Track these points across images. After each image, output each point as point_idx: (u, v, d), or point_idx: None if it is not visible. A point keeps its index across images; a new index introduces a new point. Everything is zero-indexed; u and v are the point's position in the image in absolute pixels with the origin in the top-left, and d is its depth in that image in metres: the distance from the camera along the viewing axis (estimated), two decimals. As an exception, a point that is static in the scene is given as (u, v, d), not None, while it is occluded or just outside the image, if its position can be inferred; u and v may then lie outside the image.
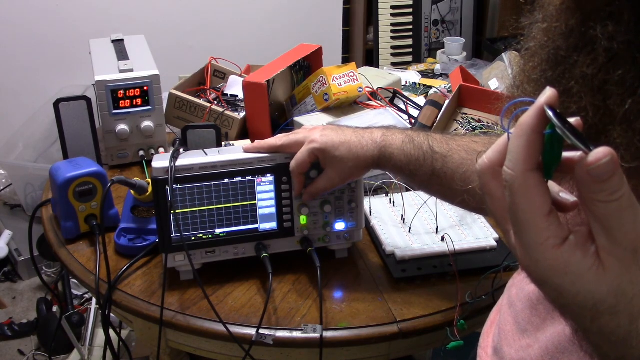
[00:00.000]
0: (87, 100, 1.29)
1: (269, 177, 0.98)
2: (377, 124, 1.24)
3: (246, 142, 1.37)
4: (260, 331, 0.91)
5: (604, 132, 0.43)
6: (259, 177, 0.97)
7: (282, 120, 1.48)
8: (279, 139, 0.96)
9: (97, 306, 1.99)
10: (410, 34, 2.86)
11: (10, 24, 2.51)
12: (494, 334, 0.70)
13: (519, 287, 0.63)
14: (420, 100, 1.59)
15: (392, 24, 2.84)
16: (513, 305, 0.64)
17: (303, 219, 1.00)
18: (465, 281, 1.01)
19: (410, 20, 2.85)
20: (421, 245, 1.06)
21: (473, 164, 0.86)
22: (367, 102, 1.50)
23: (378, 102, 1.53)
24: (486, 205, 0.46)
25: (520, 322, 0.62)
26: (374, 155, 0.90)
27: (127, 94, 1.32)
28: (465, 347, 0.93)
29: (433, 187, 0.91)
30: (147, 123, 1.35)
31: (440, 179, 0.88)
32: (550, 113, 0.39)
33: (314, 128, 0.95)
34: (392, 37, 2.84)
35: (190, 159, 0.96)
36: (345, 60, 2.96)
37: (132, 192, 1.09)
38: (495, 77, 1.65)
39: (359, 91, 1.42)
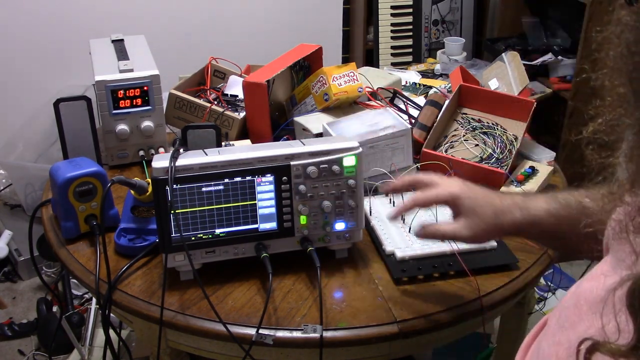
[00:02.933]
0: (87, 100, 1.29)
1: (269, 177, 0.98)
2: (377, 124, 1.24)
3: (246, 142, 1.37)
4: (260, 331, 0.91)
5: None
6: (259, 177, 0.97)
7: (282, 120, 1.48)
8: (415, 177, 0.90)
9: (97, 306, 1.99)
10: (410, 34, 2.86)
11: (10, 24, 2.51)
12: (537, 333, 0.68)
13: (590, 284, 0.59)
14: (420, 100, 1.58)
15: (392, 24, 2.83)
16: (564, 301, 0.61)
17: (303, 219, 1.00)
18: (466, 281, 1.01)
19: (410, 20, 2.85)
20: (421, 245, 1.06)
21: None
22: (367, 102, 1.50)
23: (378, 102, 1.53)
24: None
25: (561, 317, 0.60)
26: (516, 219, 0.83)
27: (127, 94, 1.32)
28: (465, 347, 0.93)
29: (587, 248, 0.76)
30: (147, 123, 1.35)
31: (596, 237, 0.74)
32: None
33: (451, 178, 0.90)
34: (392, 37, 2.84)
35: (190, 159, 0.96)
36: (345, 60, 2.96)
37: (132, 192, 1.09)
38: (495, 77, 1.65)
39: (359, 91, 1.41)
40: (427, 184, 0.89)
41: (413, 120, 1.43)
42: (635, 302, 0.42)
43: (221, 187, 0.96)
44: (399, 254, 1.04)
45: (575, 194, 0.83)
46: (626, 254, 0.51)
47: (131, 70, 1.33)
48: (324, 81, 1.39)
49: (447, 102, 1.42)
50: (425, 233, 0.89)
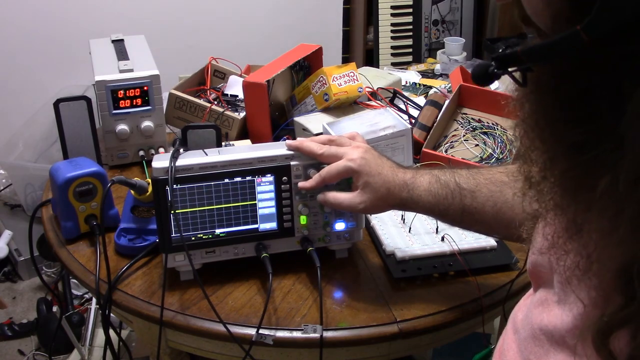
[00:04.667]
0: (87, 100, 1.29)
1: (269, 177, 0.98)
2: (377, 124, 1.24)
3: (246, 142, 1.37)
4: (260, 331, 0.91)
5: None
6: (259, 177, 0.97)
7: (282, 120, 1.48)
8: (320, 148, 0.95)
9: (97, 306, 1.99)
10: (410, 34, 2.86)
11: (10, 24, 2.51)
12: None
13: (525, 313, 0.62)
14: (420, 100, 1.59)
15: (392, 24, 2.83)
16: (518, 332, 0.62)
17: (303, 219, 1.00)
18: (466, 281, 1.01)
19: (410, 20, 2.85)
20: (421, 245, 1.06)
21: (502, 195, 0.87)
22: (367, 102, 1.50)
23: (378, 102, 1.53)
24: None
25: (524, 351, 0.60)
26: (402, 197, 0.90)
27: (127, 94, 1.32)
28: (465, 347, 0.93)
29: (466, 223, 0.91)
30: (147, 123, 1.35)
31: (472, 215, 0.88)
32: None
33: (357, 147, 0.94)
34: (392, 37, 2.84)
35: (190, 159, 0.96)
36: (345, 60, 2.96)
37: (132, 192, 1.09)
38: (495, 77, 1.65)
39: (359, 91, 1.42)
40: (329, 159, 0.95)
41: (413, 120, 1.43)
42: (603, 346, 0.42)
43: (221, 187, 0.96)
44: (399, 254, 1.04)
45: (484, 172, 0.90)
46: (575, 290, 0.50)
47: (131, 70, 1.33)
48: (324, 81, 1.39)
49: (447, 102, 1.42)
50: (324, 199, 0.96)
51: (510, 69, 0.51)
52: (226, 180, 0.96)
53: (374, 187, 0.90)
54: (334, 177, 0.93)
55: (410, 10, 2.84)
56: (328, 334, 0.91)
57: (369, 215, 1.14)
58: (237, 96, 1.53)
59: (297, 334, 0.91)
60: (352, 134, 0.99)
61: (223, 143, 1.23)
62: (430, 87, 1.72)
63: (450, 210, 0.89)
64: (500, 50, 0.50)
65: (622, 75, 0.40)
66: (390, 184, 0.90)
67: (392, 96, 1.57)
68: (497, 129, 1.39)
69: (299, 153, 0.97)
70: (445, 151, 1.34)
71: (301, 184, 0.97)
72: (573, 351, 0.49)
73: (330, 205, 0.96)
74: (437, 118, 1.38)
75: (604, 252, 0.43)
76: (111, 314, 1.01)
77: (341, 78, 1.40)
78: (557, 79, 0.46)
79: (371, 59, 2.89)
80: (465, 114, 1.43)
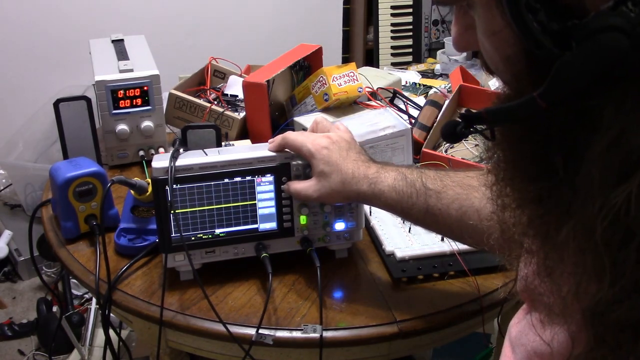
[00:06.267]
0: (87, 100, 1.29)
1: (269, 177, 0.98)
2: (377, 124, 1.24)
3: (246, 142, 1.37)
4: (260, 331, 0.91)
5: None
6: (259, 177, 0.97)
7: (282, 120, 1.48)
8: (294, 140, 0.95)
9: (97, 306, 1.99)
10: (410, 34, 2.86)
11: (10, 24, 2.51)
12: None
13: (519, 330, 0.62)
14: (420, 100, 1.59)
15: (392, 24, 2.83)
16: (514, 351, 0.63)
17: (303, 219, 1.00)
18: (466, 281, 1.01)
19: (410, 20, 2.85)
20: (421, 245, 1.06)
21: (468, 199, 0.86)
22: (367, 102, 1.50)
23: (378, 102, 1.53)
24: None
25: None
26: (361, 190, 0.89)
27: (127, 94, 1.32)
28: (465, 347, 0.93)
29: (429, 224, 0.90)
30: (147, 123, 1.35)
31: (435, 216, 0.87)
32: None
33: (326, 136, 0.95)
34: (392, 37, 2.84)
35: (190, 159, 0.96)
36: (345, 60, 2.96)
37: (132, 192, 1.09)
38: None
39: (359, 91, 1.42)
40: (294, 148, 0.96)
41: (413, 120, 1.43)
42: None
43: (221, 187, 0.96)
44: (399, 254, 1.04)
45: (452, 175, 0.89)
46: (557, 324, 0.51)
47: (131, 70, 1.33)
48: (324, 81, 1.39)
49: (447, 102, 1.42)
50: (287, 188, 0.97)
51: (478, 127, 0.53)
52: (226, 180, 0.96)
53: (329, 177, 0.90)
54: (294, 146, 0.94)
55: (410, 10, 2.84)
56: (328, 334, 0.91)
57: (368, 214, 1.14)
58: (237, 96, 1.53)
59: (297, 334, 0.91)
60: (333, 126, 0.99)
61: (223, 143, 1.23)
62: (430, 87, 1.72)
63: (413, 210, 0.88)
64: (466, 110, 0.53)
65: (576, 133, 0.43)
66: (347, 177, 0.90)
67: (392, 96, 1.57)
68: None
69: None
70: (445, 151, 1.34)
71: (269, 146, 0.98)
72: None
73: (290, 194, 0.97)
74: (437, 118, 1.38)
75: (571, 295, 0.44)
76: (111, 314, 1.01)
77: (341, 78, 1.40)
78: (519, 136, 0.48)
79: (371, 59, 2.89)
80: (465, 114, 1.43)
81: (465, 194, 0.86)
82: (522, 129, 0.47)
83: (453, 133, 0.56)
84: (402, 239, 1.09)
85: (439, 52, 2.52)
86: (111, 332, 1.06)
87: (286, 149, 0.97)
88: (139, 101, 1.33)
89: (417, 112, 1.46)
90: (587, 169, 0.41)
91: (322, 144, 0.92)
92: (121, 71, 1.33)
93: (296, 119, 1.38)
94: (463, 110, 1.43)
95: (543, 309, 0.50)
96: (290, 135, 0.96)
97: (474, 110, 0.52)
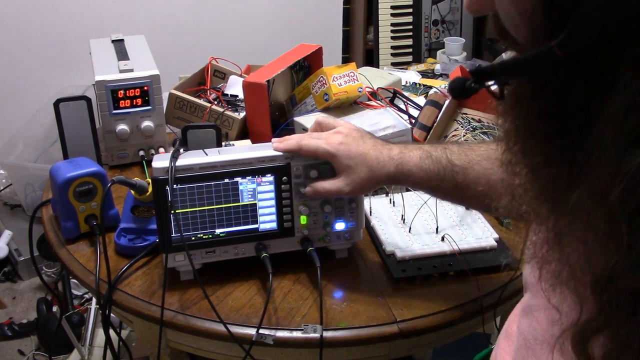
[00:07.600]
0: (87, 100, 1.29)
1: (269, 177, 0.98)
2: (377, 124, 1.24)
3: (246, 142, 1.37)
4: (261, 331, 0.91)
5: None
6: (259, 177, 0.97)
7: (282, 120, 1.48)
8: (299, 142, 0.95)
9: (97, 306, 1.99)
10: (410, 34, 2.86)
11: (10, 24, 2.51)
12: None
13: (517, 322, 0.62)
14: (421, 100, 1.58)
15: (392, 24, 2.83)
16: (512, 342, 0.63)
17: (303, 219, 1.00)
18: (466, 281, 1.01)
19: (410, 20, 2.85)
20: (421, 245, 1.06)
21: (495, 173, 0.87)
22: (367, 102, 1.50)
23: (378, 102, 1.53)
24: None
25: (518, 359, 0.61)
26: (390, 172, 0.90)
27: (127, 94, 1.32)
28: (465, 347, 0.93)
29: (458, 199, 0.92)
30: (147, 123, 1.35)
31: (464, 191, 0.89)
32: None
33: (337, 132, 0.95)
34: (392, 37, 2.84)
35: (190, 159, 0.96)
36: (345, 60, 2.96)
37: (132, 192, 1.09)
38: (495, 77, 1.65)
39: (359, 91, 1.41)
40: (308, 153, 0.96)
41: (413, 120, 1.43)
42: (582, 353, 0.44)
43: (221, 187, 0.96)
44: (399, 254, 1.04)
45: (476, 149, 0.90)
46: (558, 297, 0.51)
47: (131, 70, 1.33)
48: (324, 81, 1.39)
49: (447, 102, 1.42)
50: (312, 191, 0.96)
51: (488, 83, 0.52)
52: (226, 180, 0.96)
53: (356, 169, 0.91)
54: (309, 151, 0.94)
55: (410, 10, 2.84)
56: (328, 334, 0.91)
57: (368, 214, 1.14)
58: (237, 96, 1.53)
59: (297, 334, 0.91)
60: (338, 122, 0.99)
61: (223, 143, 1.23)
62: (430, 87, 1.72)
63: (442, 187, 0.89)
64: (478, 65, 0.52)
65: (592, 92, 0.42)
66: (373, 163, 0.90)
67: (392, 96, 1.56)
68: (497, 129, 1.38)
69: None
70: (445, 151, 1.34)
71: (276, 145, 0.97)
72: (560, 356, 0.50)
73: (318, 196, 0.97)
74: (437, 118, 1.38)
75: (580, 262, 0.44)
76: (111, 314, 1.01)
77: (341, 78, 1.40)
78: (532, 93, 0.47)
79: (371, 59, 2.89)
80: (465, 114, 1.43)
81: (491, 167, 0.87)
82: (533, 87, 0.46)
83: (462, 88, 0.55)
84: (402, 239, 1.09)
85: (439, 52, 2.52)
86: (111, 332, 1.06)
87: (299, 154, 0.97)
88: (139, 101, 1.33)
89: (417, 112, 1.46)
90: (601, 130, 0.40)
91: (337, 141, 0.93)
92: (121, 71, 1.33)
93: (296, 119, 1.38)
94: (464, 110, 1.43)
95: (551, 276, 0.49)
96: (302, 141, 0.95)
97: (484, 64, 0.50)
